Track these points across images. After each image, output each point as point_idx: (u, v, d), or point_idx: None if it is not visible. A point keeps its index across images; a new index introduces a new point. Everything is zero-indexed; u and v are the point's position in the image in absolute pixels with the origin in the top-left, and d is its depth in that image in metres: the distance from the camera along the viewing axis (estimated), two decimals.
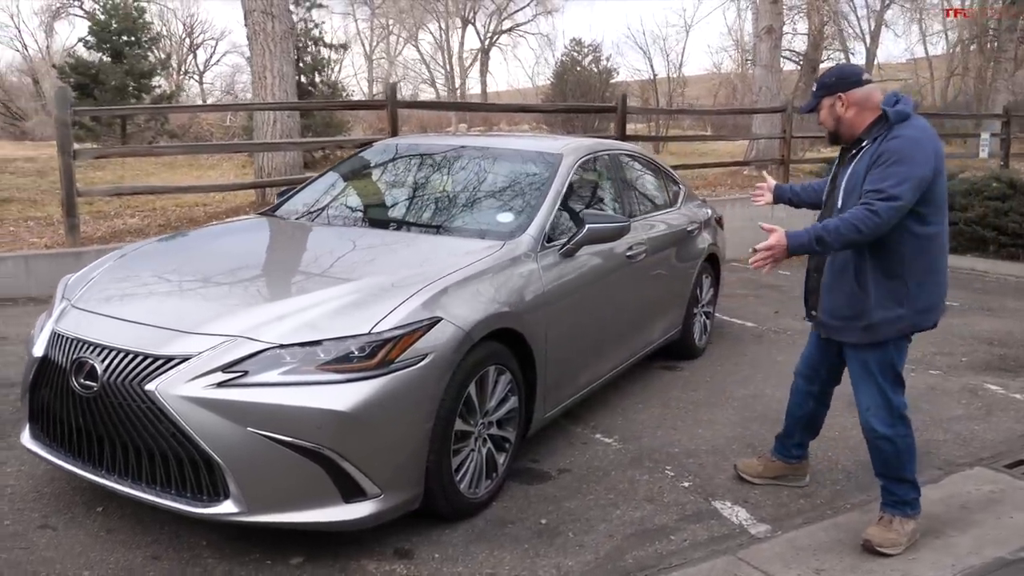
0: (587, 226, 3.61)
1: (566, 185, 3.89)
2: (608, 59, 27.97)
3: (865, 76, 2.97)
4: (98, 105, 13.83)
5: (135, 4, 16.34)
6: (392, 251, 3.37)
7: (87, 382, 2.70)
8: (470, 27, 44.56)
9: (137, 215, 8.53)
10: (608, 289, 4.02)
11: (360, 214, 3.95)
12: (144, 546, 2.84)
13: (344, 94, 15.07)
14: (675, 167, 11.23)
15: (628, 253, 4.19)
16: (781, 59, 18.40)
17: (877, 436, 2.98)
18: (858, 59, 30.70)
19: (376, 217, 3.87)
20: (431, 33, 43.18)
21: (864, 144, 2.90)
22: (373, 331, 2.66)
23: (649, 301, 4.58)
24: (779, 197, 3.51)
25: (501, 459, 3.26)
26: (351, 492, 2.61)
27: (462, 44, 44.54)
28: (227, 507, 2.55)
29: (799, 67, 23.34)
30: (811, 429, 3.47)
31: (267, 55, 8.26)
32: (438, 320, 2.82)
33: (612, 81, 23.08)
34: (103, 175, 11.74)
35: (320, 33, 14.31)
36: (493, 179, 4.07)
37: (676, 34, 40.03)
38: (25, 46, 40.90)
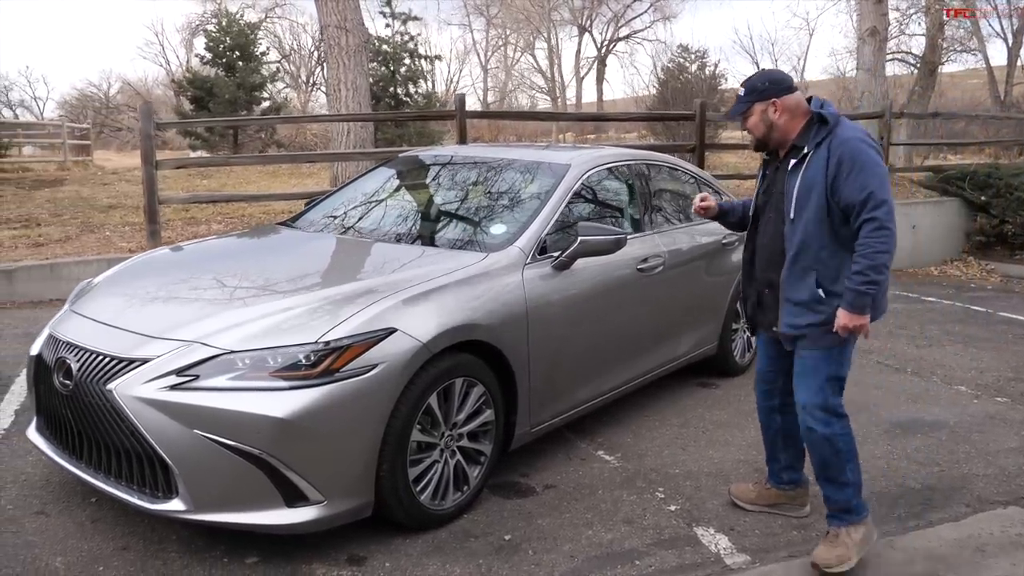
0: (579, 238, 3.53)
1: (568, 196, 3.82)
2: (716, 65, 27.22)
3: (794, 84, 2.96)
4: (212, 116, 14.71)
5: (247, 21, 17.31)
6: (373, 262, 3.41)
7: (64, 380, 2.88)
8: (587, 36, 44.64)
9: (225, 221, 9.01)
10: (614, 303, 3.91)
11: (359, 225, 4.01)
12: (119, 537, 2.99)
13: (438, 104, 15.38)
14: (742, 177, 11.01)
15: (640, 266, 4.07)
16: (895, 62, 17.25)
17: (814, 435, 2.89)
18: (998, 61, 28.56)
19: (372, 228, 3.92)
20: (546, 42, 43.53)
21: (806, 151, 2.82)
22: (320, 340, 2.70)
23: (670, 315, 4.42)
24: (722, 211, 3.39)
25: (474, 472, 3.23)
26: (293, 497, 2.66)
27: (578, 52, 44.63)
28: (175, 504, 2.66)
29: (915, 70, 21.88)
30: (794, 447, 3.25)
31: (341, 68, 8.56)
32: (392, 331, 2.83)
33: (720, 88, 22.41)
34: (208, 183, 12.51)
35: (415, 45, 14.68)
36: (497, 190, 4.05)
37: (790, 38, 38.53)
38: (167, 61, 44.20)
